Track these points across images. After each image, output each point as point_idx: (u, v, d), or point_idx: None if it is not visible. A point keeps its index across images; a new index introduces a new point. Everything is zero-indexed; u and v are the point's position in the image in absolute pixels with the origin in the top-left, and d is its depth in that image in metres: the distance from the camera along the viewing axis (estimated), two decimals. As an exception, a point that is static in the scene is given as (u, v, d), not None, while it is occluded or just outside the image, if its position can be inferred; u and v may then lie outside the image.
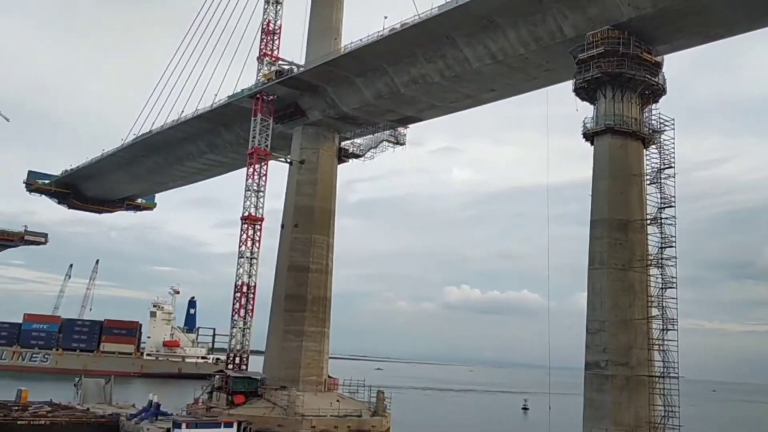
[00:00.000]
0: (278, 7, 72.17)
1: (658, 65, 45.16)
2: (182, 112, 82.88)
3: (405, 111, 65.20)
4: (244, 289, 66.38)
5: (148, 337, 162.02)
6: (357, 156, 74.67)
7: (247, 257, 67.10)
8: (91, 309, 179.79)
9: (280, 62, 71.30)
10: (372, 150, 74.41)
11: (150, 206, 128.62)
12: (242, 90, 72.88)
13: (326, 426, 57.94)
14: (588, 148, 45.25)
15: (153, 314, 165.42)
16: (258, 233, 67.79)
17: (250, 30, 77.42)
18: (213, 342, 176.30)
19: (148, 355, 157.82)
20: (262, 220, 68.16)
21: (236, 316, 66.24)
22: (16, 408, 56.45)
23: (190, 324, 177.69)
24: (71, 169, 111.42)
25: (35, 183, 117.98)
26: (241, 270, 66.87)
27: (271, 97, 69.34)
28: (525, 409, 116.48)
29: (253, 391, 62.82)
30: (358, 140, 74.33)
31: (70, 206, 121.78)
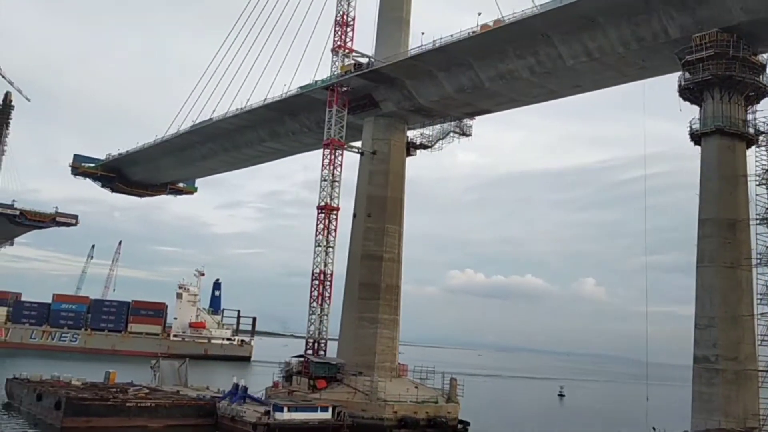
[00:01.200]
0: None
1: (763, 67, 46.23)
2: (233, 101, 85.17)
3: (482, 105, 66.30)
4: (322, 277, 67.95)
5: (175, 318, 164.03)
6: (425, 147, 75.78)
7: (323, 246, 68.65)
8: (114, 290, 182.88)
9: (353, 54, 72.12)
10: (440, 141, 75.50)
11: (191, 190, 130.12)
12: (315, 81, 73.85)
13: (406, 411, 59.71)
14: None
15: (179, 296, 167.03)
16: (334, 223, 69.26)
17: (298, 20, 79.50)
18: (238, 324, 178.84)
19: (174, 336, 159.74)
20: (338, 209, 69.50)
21: (314, 304, 67.73)
22: (114, 390, 58.27)
23: (215, 306, 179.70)
24: (120, 154, 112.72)
25: (81, 166, 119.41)
26: (318, 258, 68.42)
27: (345, 89, 70.35)
28: (561, 395, 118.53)
29: (333, 376, 64.69)
30: (426, 131, 75.39)
31: (114, 190, 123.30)
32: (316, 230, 69.16)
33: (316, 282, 67.93)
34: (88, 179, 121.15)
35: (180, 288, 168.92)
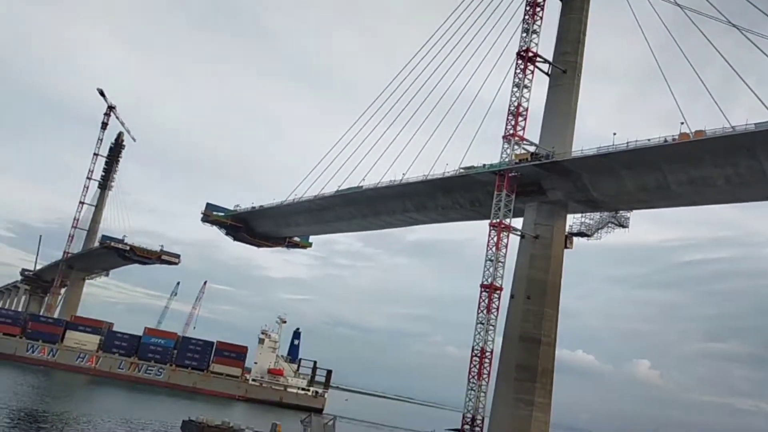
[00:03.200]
0: (525, 91, 76.53)
1: None
2: (367, 173, 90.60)
3: (659, 203, 68.51)
4: (481, 354, 69.84)
5: (255, 363, 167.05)
6: (585, 235, 77.91)
7: (483, 323, 70.83)
8: (195, 327, 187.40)
9: (523, 142, 75.48)
10: (598, 231, 77.57)
11: (306, 245, 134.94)
12: (483, 164, 77.54)
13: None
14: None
15: (261, 341, 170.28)
16: (497, 302, 71.49)
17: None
18: (314, 374, 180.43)
19: (253, 380, 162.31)
20: (501, 289, 71.78)
21: (473, 380, 69.53)
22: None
23: (293, 354, 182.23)
24: (252, 207, 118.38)
25: (211, 214, 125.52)
26: (478, 337, 70.52)
27: (514, 174, 73.57)
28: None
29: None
30: (585, 219, 77.64)
31: (236, 239, 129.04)
32: (478, 307, 71.40)
33: (477, 359, 69.94)
34: (214, 226, 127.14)
35: (262, 334, 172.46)
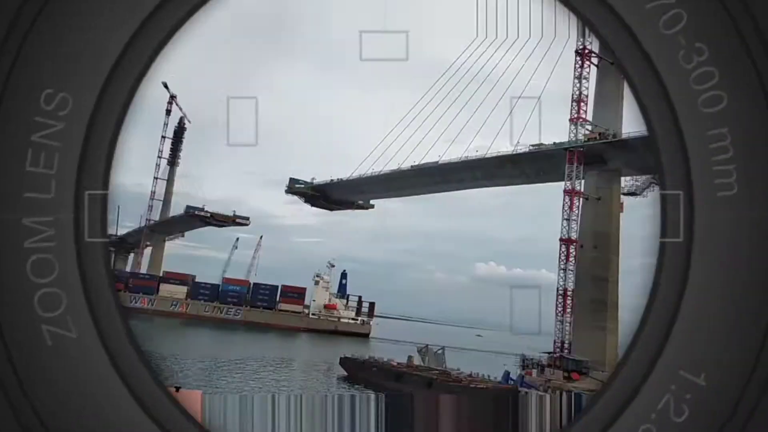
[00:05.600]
0: (584, 82, 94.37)
1: None
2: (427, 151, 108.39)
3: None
4: (564, 293, 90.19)
5: (313, 301, 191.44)
6: (634, 194, 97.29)
7: (562, 268, 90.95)
8: (255, 275, 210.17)
9: (585, 122, 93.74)
10: (646, 190, 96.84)
11: (369, 207, 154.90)
12: (554, 142, 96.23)
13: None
14: None
15: (316, 282, 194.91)
16: (573, 251, 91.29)
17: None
18: (360, 306, 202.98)
19: (312, 314, 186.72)
20: (575, 242, 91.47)
21: (559, 315, 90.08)
22: (436, 371, 79.93)
23: (342, 291, 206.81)
24: (332, 180, 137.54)
25: (294, 187, 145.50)
26: (560, 279, 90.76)
27: (581, 150, 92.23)
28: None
29: (580, 370, 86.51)
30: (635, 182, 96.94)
31: (314, 205, 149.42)
32: (559, 257, 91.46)
33: (561, 298, 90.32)
34: (295, 196, 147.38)
35: (317, 276, 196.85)
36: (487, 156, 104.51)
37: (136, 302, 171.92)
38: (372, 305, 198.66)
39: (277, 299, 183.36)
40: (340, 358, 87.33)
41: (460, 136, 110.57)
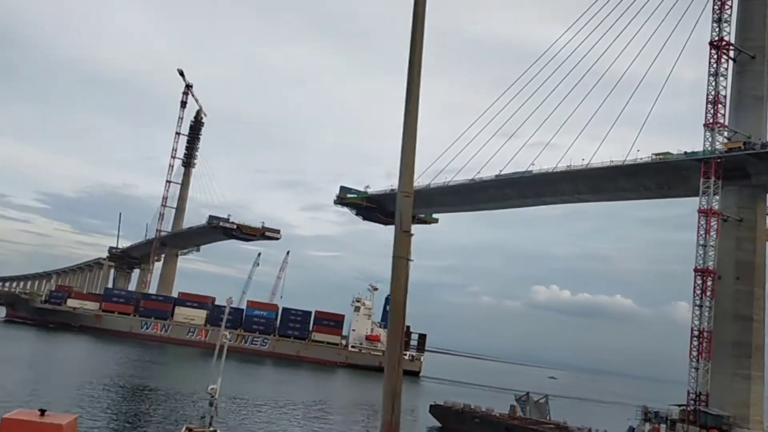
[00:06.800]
0: (721, 79, 78.63)
1: None
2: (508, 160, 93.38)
3: None
4: (701, 334, 74.45)
5: (353, 330, 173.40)
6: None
7: (698, 305, 75.23)
8: (281, 297, 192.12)
9: (724, 129, 78.06)
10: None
11: (433, 221, 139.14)
12: (683, 152, 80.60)
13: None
14: None
15: (356, 309, 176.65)
16: (711, 285, 75.63)
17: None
18: (408, 339, 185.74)
19: (352, 347, 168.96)
20: (714, 273, 75.84)
21: (694, 361, 74.41)
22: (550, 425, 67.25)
23: (386, 320, 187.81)
24: (392, 190, 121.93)
25: (345, 196, 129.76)
26: (695, 318, 75.03)
27: (719, 161, 76.62)
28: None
29: (720, 426, 71.08)
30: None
31: (366, 218, 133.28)
32: (694, 291, 75.77)
33: (697, 341, 74.64)
34: (345, 207, 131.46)
35: (357, 302, 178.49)
36: (594, 166, 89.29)
37: (148, 328, 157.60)
38: (423, 337, 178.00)
39: (311, 327, 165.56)
40: (431, 406, 77.66)
41: (556, 139, 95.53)
